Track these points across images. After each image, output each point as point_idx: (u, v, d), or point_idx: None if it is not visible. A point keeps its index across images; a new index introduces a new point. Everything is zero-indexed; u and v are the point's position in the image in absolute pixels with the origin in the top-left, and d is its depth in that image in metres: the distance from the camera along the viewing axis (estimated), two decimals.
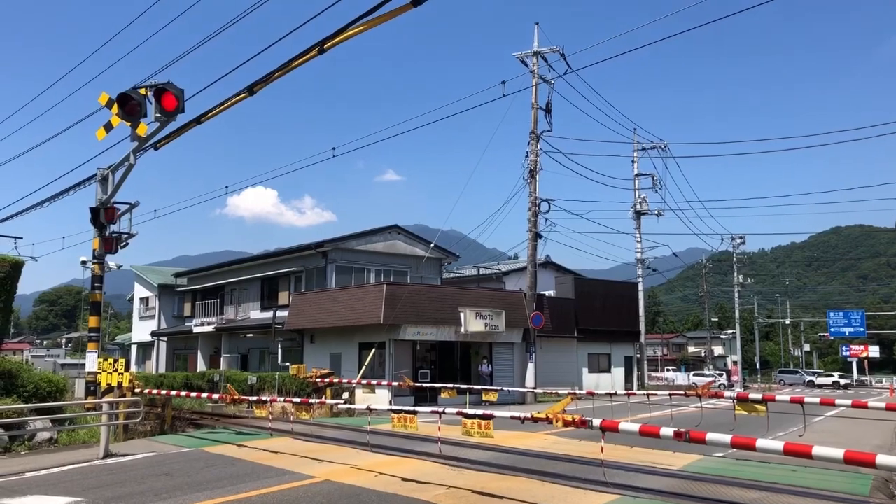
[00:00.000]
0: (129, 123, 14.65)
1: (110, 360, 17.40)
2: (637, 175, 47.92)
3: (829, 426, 21.64)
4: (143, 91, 14.22)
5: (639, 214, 47.25)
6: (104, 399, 15.25)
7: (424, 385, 24.61)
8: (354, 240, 36.22)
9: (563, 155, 36.24)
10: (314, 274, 35.56)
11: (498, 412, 10.36)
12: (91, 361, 17.08)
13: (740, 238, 62.55)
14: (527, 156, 32.47)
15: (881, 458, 6.36)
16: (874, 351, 78.51)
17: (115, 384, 16.72)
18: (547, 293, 37.70)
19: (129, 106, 14.21)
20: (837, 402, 14.92)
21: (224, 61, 37.60)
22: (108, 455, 12.86)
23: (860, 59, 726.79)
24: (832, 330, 71.26)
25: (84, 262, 36.79)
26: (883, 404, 13.71)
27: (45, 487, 9.97)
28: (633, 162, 48.14)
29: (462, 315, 28.97)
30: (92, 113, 18.21)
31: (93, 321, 17.54)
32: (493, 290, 34.60)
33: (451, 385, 21.51)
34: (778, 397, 12.23)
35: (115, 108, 14.57)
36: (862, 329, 70.05)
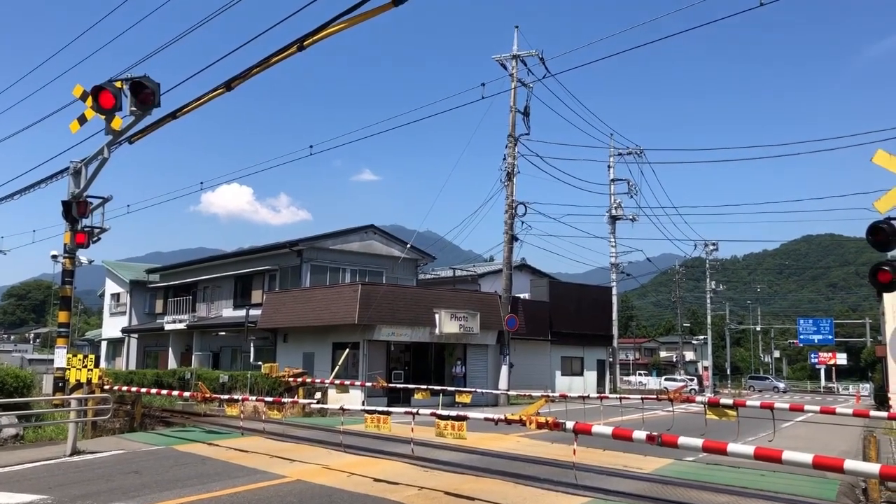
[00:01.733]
0: (103, 117, 14.48)
1: (79, 356, 17.16)
2: (613, 180, 48.22)
3: (798, 432, 21.93)
4: (118, 84, 14.07)
5: (614, 219, 47.54)
6: (72, 395, 15.03)
7: (398, 386, 24.56)
8: (330, 239, 36.08)
9: (540, 158, 36.50)
10: (288, 273, 35.36)
11: (471, 413, 10.36)
12: (60, 357, 16.83)
13: (713, 244, 63.22)
14: (504, 159, 32.55)
15: (849, 464, 6.45)
16: (842, 358, 79.74)
17: (83, 380, 16.49)
18: (522, 296, 37.81)
19: (104, 99, 14.04)
20: (806, 407, 15.09)
21: (202, 56, 37.31)
22: (75, 452, 12.67)
23: (836, 71, 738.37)
24: (801, 337, 72.28)
25: (55, 256, 36.26)
26: (850, 411, 13.94)
27: (10, 484, 9.79)
28: (609, 167, 48.45)
29: (437, 316, 28.96)
30: (66, 105, 18.00)
31: (62, 316, 17.28)
32: (469, 292, 34.63)
33: (424, 386, 21.48)
34: (749, 402, 12.36)
35: (89, 101, 14.40)
36: (830, 337, 71.12)
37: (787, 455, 6.76)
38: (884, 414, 14.41)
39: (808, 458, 6.59)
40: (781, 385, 75.41)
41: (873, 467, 6.57)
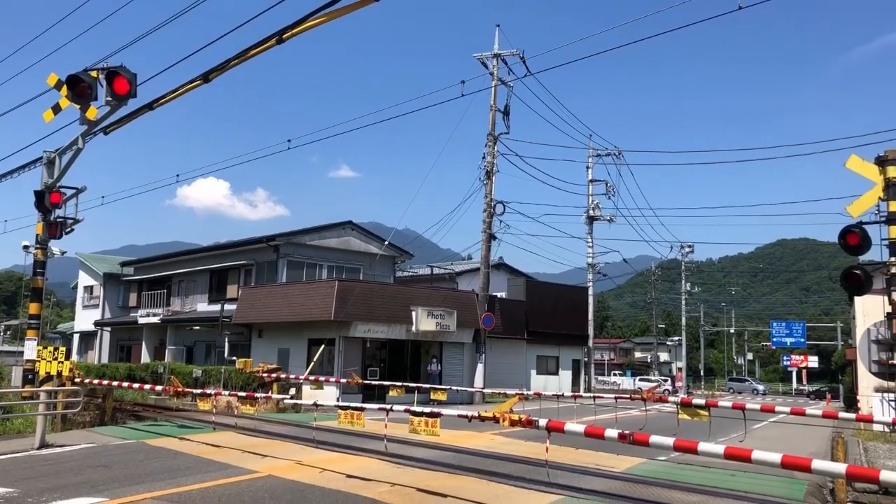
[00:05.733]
0: (78, 106, 14.27)
1: (50, 349, 16.94)
2: (591, 181, 48.41)
3: (769, 432, 22.16)
4: (94, 74, 13.87)
5: (591, 220, 47.74)
6: (42, 388, 14.83)
7: (373, 383, 24.49)
8: (307, 235, 35.91)
9: (519, 158, 36.60)
10: (265, 268, 35.14)
11: (445, 410, 10.35)
12: (30, 349, 16.61)
13: (689, 247, 63.73)
14: (484, 157, 32.60)
15: (817, 464, 6.51)
16: (813, 361, 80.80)
17: (54, 373, 16.28)
18: (499, 294, 37.88)
19: (79, 88, 13.83)
20: (777, 409, 15.25)
21: (180, 47, 36.95)
22: (43, 445, 12.50)
23: (813, 74, 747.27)
24: (774, 340, 73.10)
25: (26, 247, 35.61)
26: (820, 412, 14.11)
27: None
28: (587, 168, 48.63)
29: (414, 314, 28.93)
30: (40, 94, 17.73)
31: (33, 308, 17.04)
32: (446, 290, 34.64)
33: (399, 383, 21.44)
34: (720, 403, 12.46)
35: (64, 90, 14.21)
36: (803, 340, 71.98)
37: (757, 455, 6.82)
38: (852, 415, 14.60)
39: (776, 457, 6.65)
40: (761, 387, 76.24)
41: (840, 467, 6.65)
